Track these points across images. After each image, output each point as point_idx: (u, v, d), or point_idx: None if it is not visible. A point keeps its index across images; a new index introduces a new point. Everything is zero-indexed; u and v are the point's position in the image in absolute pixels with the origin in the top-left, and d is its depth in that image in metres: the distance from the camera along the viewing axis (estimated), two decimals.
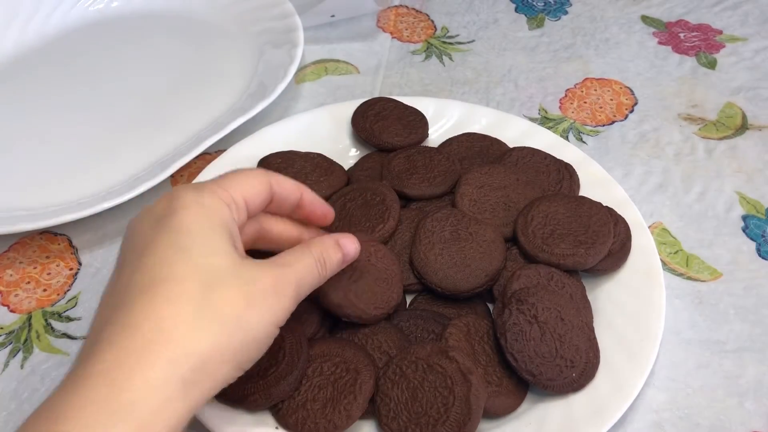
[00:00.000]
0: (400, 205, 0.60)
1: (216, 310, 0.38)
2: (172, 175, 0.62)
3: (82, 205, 0.59)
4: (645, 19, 0.86)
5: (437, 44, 0.84)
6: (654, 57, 0.81)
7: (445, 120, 0.69)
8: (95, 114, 0.72)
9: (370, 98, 0.69)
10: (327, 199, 0.60)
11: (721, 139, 0.71)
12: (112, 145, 0.68)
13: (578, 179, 0.63)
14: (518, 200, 0.60)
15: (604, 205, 0.59)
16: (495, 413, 0.50)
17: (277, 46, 0.76)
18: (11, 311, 0.58)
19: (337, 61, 0.81)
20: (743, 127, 0.72)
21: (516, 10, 0.89)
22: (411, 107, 0.68)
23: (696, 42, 0.81)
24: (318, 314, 0.53)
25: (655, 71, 0.80)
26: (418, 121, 0.67)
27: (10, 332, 0.56)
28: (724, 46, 0.81)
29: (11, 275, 0.60)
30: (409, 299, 0.58)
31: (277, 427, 0.48)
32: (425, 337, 0.53)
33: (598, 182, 0.63)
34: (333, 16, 0.83)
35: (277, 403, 0.49)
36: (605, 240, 0.56)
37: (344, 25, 0.84)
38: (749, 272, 0.60)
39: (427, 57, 0.82)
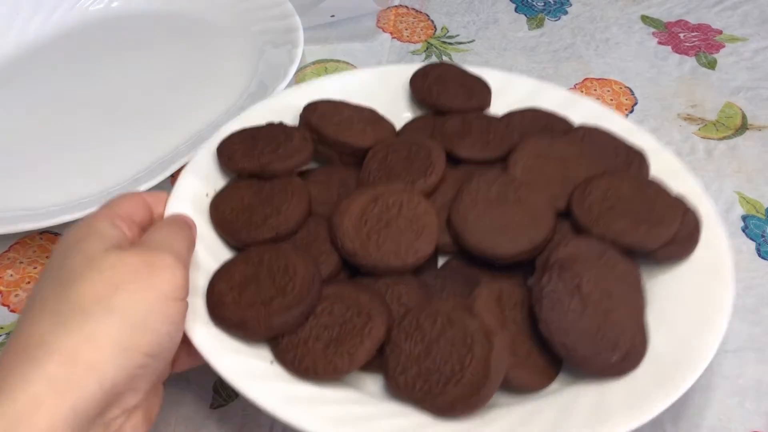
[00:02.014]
0: (447, 165, 0.55)
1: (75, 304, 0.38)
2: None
3: (82, 205, 0.59)
4: (645, 19, 0.85)
5: (437, 44, 0.82)
6: (654, 57, 0.80)
7: (510, 94, 0.64)
8: (95, 114, 0.71)
9: (432, 63, 0.65)
10: (369, 149, 0.56)
11: (720, 139, 0.70)
12: (112, 144, 0.68)
13: (648, 167, 0.57)
14: (577, 175, 0.54)
15: (676, 193, 0.52)
16: (517, 387, 0.44)
17: (277, 46, 0.75)
18: (11, 311, 0.57)
19: (337, 61, 0.79)
20: (743, 127, 0.71)
21: (516, 10, 0.87)
22: (475, 75, 0.63)
23: (696, 42, 0.81)
24: (338, 257, 0.49)
25: (654, 71, 0.78)
26: (480, 88, 0.62)
27: (10, 332, 0.54)
28: (723, 46, 0.80)
29: (11, 275, 0.59)
30: (441, 263, 0.52)
31: (272, 362, 0.44)
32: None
33: (671, 172, 0.56)
34: (333, 16, 0.82)
35: (277, 337, 0.44)
36: (671, 223, 0.49)
37: (344, 25, 0.84)
38: (749, 272, 0.59)
39: (427, 57, 0.80)
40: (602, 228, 0.49)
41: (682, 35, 0.82)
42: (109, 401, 0.37)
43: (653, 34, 0.83)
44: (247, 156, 0.53)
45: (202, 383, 0.50)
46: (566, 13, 0.87)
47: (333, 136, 0.55)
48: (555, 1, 0.88)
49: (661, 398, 0.42)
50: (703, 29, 0.83)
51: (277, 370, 0.43)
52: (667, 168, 0.56)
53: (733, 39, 0.81)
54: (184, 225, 0.46)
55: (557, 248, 0.47)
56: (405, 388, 0.42)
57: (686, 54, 0.80)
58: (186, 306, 0.42)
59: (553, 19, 0.86)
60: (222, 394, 0.50)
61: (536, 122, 0.60)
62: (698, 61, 0.79)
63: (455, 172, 0.55)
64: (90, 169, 0.65)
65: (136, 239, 0.44)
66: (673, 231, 0.49)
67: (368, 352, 0.43)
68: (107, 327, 0.37)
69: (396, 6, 0.88)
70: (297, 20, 0.76)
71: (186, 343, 0.43)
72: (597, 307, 0.44)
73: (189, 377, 0.49)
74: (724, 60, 0.79)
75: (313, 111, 0.57)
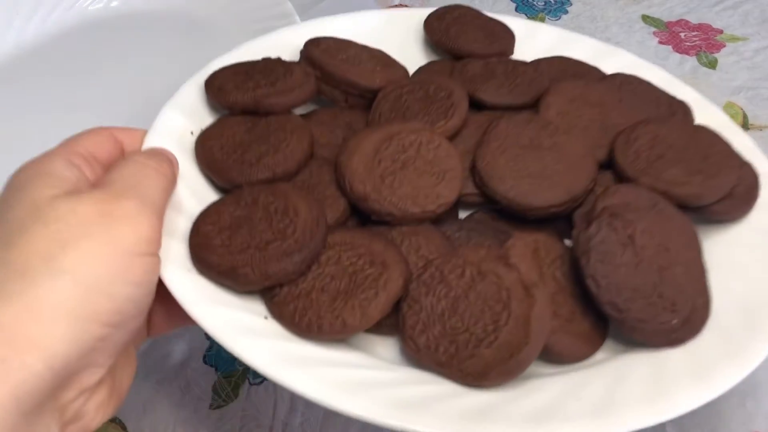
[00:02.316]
0: (469, 108, 0.48)
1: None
2: None
3: None
4: (645, 18, 0.84)
5: None
6: (654, 56, 0.78)
7: (535, 43, 0.57)
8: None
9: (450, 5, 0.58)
10: (379, 90, 0.48)
11: None
12: None
13: (693, 120, 0.50)
14: (618, 122, 0.47)
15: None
16: (559, 356, 0.37)
17: None
18: None
19: None
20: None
21: (516, 9, 0.86)
22: (496, 19, 0.57)
23: (696, 41, 0.80)
24: (345, 202, 0.42)
25: None
26: (502, 32, 0.55)
27: None
28: (724, 46, 0.79)
29: None
30: (464, 216, 0.45)
31: (266, 317, 0.36)
32: None
33: (718, 128, 0.49)
34: None
35: (273, 287, 0.37)
36: (729, 174, 0.43)
37: None
38: None
39: None
40: (651, 178, 0.43)
41: (682, 35, 0.81)
42: (61, 383, 0.30)
43: (654, 33, 0.82)
44: (240, 89, 0.45)
45: (202, 384, 0.47)
46: (567, 12, 0.85)
47: (339, 73, 0.48)
48: (555, 1, 0.87)
49: (731, 371, 0.35)
50: (703, 29, 0.82)
51: (272, 327, 0.36)
52: (714, 123, 0.50)
53: (734, 38, 0.80)
54: (160, 160, 0.38)
55: (604, 195, 0.40)
56: (426, 351, 0.35)
57: (687, 53, 0.79)
58: (157, 262, 0.35)
59: (553, 18, 0.85)
60: (221, 395, 0.47)
61: (566, 71, 0.53)
62: (699, 60, 0.78)
63: (478, 117, 0.48)
64: None
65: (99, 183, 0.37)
66: (731, 183, 0.43)
67: (383, 307, 0.36)
68: (55, 294, 0.30)
69: (396, 6, 0.85)
70: (297, 20, 0.73)
71: (164, 303, 0.36)
72: (652, 262, 0.37)
73: (188, 377, 0.47)
74: (724, 59, 0.77)
75: (316, 46, 0.50)
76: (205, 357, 0.49)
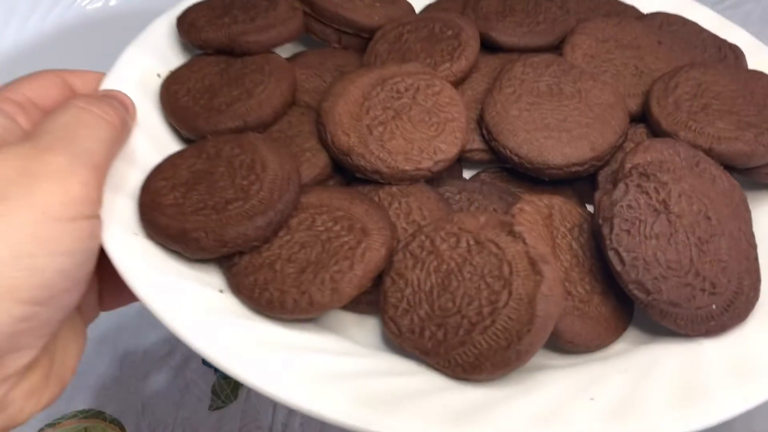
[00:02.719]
0: (482, 53, 0.41)
1: None
2: None
3: None
4: None
5: None
6: None
7: None
8: None
9: None
10: (378, 28, 0.42)
11: None
12: None
13: (746, 65, 0.42)
14: (657, 67, 0.40)
15: None
16: (571, 344, 0.31)
17: None
18: None
19: None
20: None
21: None
22: None
23: None
24: (326, 156, 0.36)
25: None
26: None
27: None
28: None
29: None
30: (469, 176, 0.39)
31: (222, 291, 0.31)
32: None
33: None
34: None
35: (232, 255, 0.31)
36: None
37: None
38: None
39: None
40: (692, 132, 0.36)
41: None
42: None
43: None
44: (213, 25, 0.39)
45: (201, 385, 0.46)
46: None
47: (331, 8, 0.42)
48: None
49: None
50: None
51: (228, 302, 0.30)
52: None
53: None
54: (107, 105, 0.32)
55: (634, 151, 0.33)
56: (409, 335, 0.29)
57: None
58: (94, 225, 0.29)
59: None
60: (221, 396, 0.45)
61: (597, 9, 0.46)
62: None
63: (492, 59, 0.42)
64: None
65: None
66: None
67: (360, 281, 0.30)
68: None
69: None
70: None
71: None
72: (691, 232, 0.31)
73: (187, 379, 0.45)
74: None
75: None
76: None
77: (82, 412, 0.43)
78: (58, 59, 0.70)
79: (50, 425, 0.42)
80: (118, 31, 0.76)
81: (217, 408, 0.45)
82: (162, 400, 0.43)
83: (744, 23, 0.71)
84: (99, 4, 0.77)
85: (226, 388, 0.46)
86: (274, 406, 0.44)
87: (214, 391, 0.45)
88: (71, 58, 0.69)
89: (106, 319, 0.47)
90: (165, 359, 0.47)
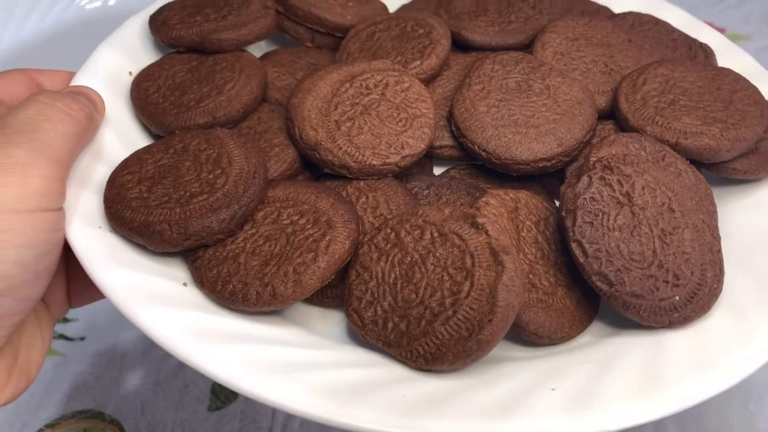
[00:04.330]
0: (454, 52, 0.42)
1: None
2: None
3: None
4: None
5: None
6: None
7: None
8: None
9: None
10: (351, 28, 0.42)
11: None
12: None
13: (716, 64, 0.43)
14: (627, 65, 0.40)
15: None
16: (534, 336, 0.31)
17: None
18: None
19: None
20: None
21: None
22: None
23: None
24: (294, 152, 0.36)
25: None
26: None
27: None
28: None
29: None
30: (439, 172, 0.39)
31: (185, 284, 0.31)
32: None
33: (746, 76, 0.42)
34: None
35: (197, 248, 0.31)
36: (753, 124, 0.36)
37: None
38: None
39: None
40: (659, 128, 0.36)
41: None
42: None
43: None
44: (185, 23, 0.40)
45: (200, 385, 0.45)
46: None
47: (304, 7, 0.42)
48: None
49: (743, 358, 0.29)
50: None
51: (191, 295, 0.30)
52: (742, 71, 0.42)
53: (736, 37, 0.76)
54: (72, 100, 0.32)
55: (599, 145, 0.33)
56: (372, 327, 0.29)
57: None
58: (55, 218, 0.29)
59: None
60: (220, 397, 0.44)
61: (571, 9, 0.46)
62: None
63: (463, 58, 0.42)
64: None
65: None
66: (755, 135, 0.36)
67: (323, 274, 0.30)
68: None
69: None
70: None
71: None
72: (654, 224, 0.31)
73: (186, 379, 0.45)
74: None
75: None
76: None
77: (81, 412, 0.43)
78: (56, 59, 0.69)
79: (50, 425, 0.42)
80: None
81: (217, 408, 0.44)
82: (161, 401, 0.43)
83: (744, 23, 0.76)
84: (98, 4, 0.77)
85: (226, 389, 0.46)
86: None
87: (213, 392, 0.45)
88: (70, 58, 0.69)
89: (106, 319, 0.47)
90: (164, 360, 0.46)
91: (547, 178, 0.38)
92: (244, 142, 0.34)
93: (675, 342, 0.30)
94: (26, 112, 0.30)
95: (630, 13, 0.45)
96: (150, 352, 0.46)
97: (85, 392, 0.44)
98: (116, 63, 0.39)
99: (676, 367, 0.29)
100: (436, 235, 0.30)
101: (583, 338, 0.32)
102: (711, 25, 0.72)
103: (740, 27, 0.77)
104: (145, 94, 0.37)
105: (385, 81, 0.37)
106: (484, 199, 0.32)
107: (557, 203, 0.36)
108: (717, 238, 0.32)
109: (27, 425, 0.42)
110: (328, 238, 0.30)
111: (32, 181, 0.28)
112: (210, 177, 0.32)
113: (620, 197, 0.31)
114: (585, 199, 0.31)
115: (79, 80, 0.37)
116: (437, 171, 0.39)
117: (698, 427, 0.43)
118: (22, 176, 0.28)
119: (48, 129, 0.30)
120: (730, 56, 0.44)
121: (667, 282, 0.30)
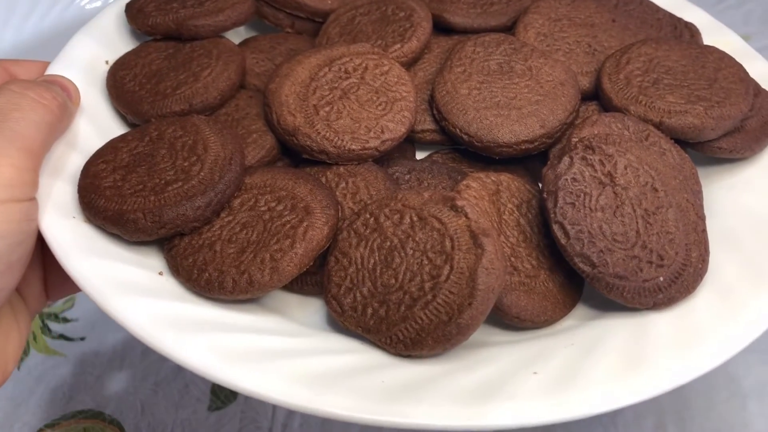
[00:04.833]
0: (435, 35, 0.41)
1: None
2: None
3: None
4: None
5: None
6: None
7: None
8: None
9: None
10: (331, 12, 0.42)
11: None
12: None
13: (702, 42, 0.42)
14: (610, 45, 0.40)
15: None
16: (517, 319, 0.30)
17: None
18: None
19: None
20: None
21: None
22: None
23: None
24: (273, 137, 0.35)
25: None
26: None
27: None
28: None
29: None
30: (421, 157, 0.39)
31: (161, 273, 0.30)
32: None
33: (733, 54, 0.41)
34: None
35: (173, 237, 0.31)
36: (738, 102, 0.35)
37: None
38: None
39: None
40: (642, 107, 0.35)
41: None
42: None
43: None
44: (161, 9, 0.39)
45: (200, 385, 0.45)
46: None
47: None
48: None
49: (728, 337, 0.28)
50: None
51: (167, 284, 0.30)
52: (728, 50, 0.41)
53: None
54: (44, 89, 0.31)
55: (581, 125, 0.33)
56: (352, 314, 0.29)
57: None
58: (28, 208, 0.29)
59: None
60: (220, 397, 0.44)
61: None
62: None
63: (445, 41, 0.41)
64: None
65: None
66: (741, 113, 0.35)
67: (301, 260, 0.29)
68: None
69: None
70: None
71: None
72: (637, 204, 0.30)
73: (186, 379, 0.44)
74: None
75: None
76: None
77: (81, 412, 0.42)
78: None
79: (49, 425, 0.42)
80: None
81: (217, 408, 0.44)
82: (161, 401, 0.43)
83: (744, 23, 0.75)
84: (98, 4, 0.76)
85: (226, 389, 0.46)
86: (273, 406, 0.44)
87: (213, 392, 0.44)
88: None
89: (106, 319, 0.46)
90: (164, 359, 0.46)
91: (530, 161, 0.37)
92: (221, 128, 0.33)
93: (660, 323, 0.30)
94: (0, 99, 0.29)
95: None
96: (150, 352, 0.46)
97: (85, 392, 0.44)
98: (92, 52, 0.39)
99: (660, 348, 0.28)
100: (415, 219, 0.30)
101: (567, 322, 0.31)
102: None
103: (740, 27, 0.75)
104: (121, 82, 0.37)
105: (364, 64, 0.36)
106: (464, 182, 0.32)
107: (540, 185, 0.35)
108: (702, 218, 0.32)
109: (27, 425, 0.42)
110: (305, 224, 0.30)
111: (3, 171, 0.27)
112: (185, 164, 0.31)
113: (602, 177, 0.30)
114: (566, 179, 0.30)
115: (53, 69, 0.36)
116: (420, 155, 0.39)
117: (698, 427, 0.43)
118: None
119: (19, 118, 0.29)
120: (716, 35, 0.44)
121: (651, 263, 0.30)
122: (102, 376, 0.44)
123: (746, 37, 0.68)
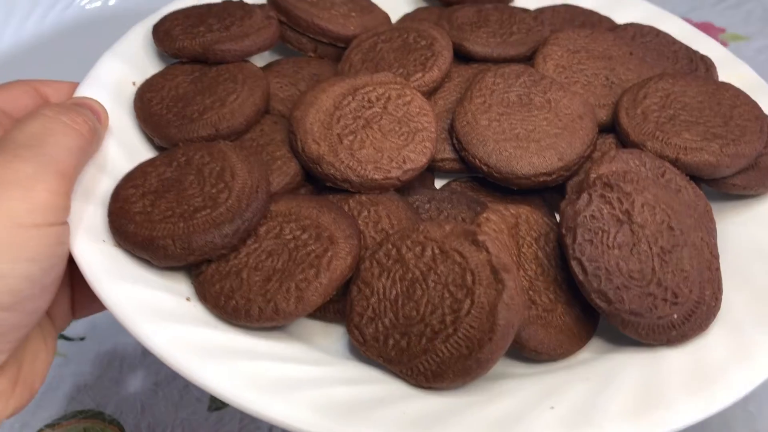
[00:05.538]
0: (455, 63, 0.42)
1: None
2: None
3: None
4: None
5: None
6: None
7: None
8: None
9: None
10: (353, 38, 0.42)
11: None
12: None
13: (716, 76, 0.43)
14: (628, 78, 0.41)
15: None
16: (534, 353, 0.31)
17: None
18: None
19: None
20: None
21: None
22: None
23: None
24: (297, 165, 0.36)
25: None
26: None
27: None
28: (726, 45, 0.74)
29: None
30: (441, 185, 0.39)
31: (188, 299, 0.31)
32: None
33: (747, 88, 0.42)
34: None
35: (200, 263, 0.31)
36: (753, 140, 0.36)
37: None
38: None
39: None
40: (659, 143, 0.36)
41: None
42: None
43: None
44: (188, 33, 0.40)
45: None
46: None
47: (307, 18, 0.42)
48: None
49: (740, 377, 0.29)
50: (705, 28, 0.77)
51: (194, 310, 0.31)
52: (742, 83, 0.42)
53: (736, 37, 0.76)
54: (76, 113, 0.32)
55: (600, 162, 0.34)
56: (374, 344, 0.30)
57: None
58: (62, 232, 0.29)
59: None
60: None
61: (573, 20, 0.47)
62: None
63: (465, 70, 0.42)
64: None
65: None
66: (756, 150, 0.36)
67: (325, 290, 0.30)
68: None
69: None
70: None
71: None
72: (653, 242, 0.31)
73: (186, 380, 0.42)
74: None
75: None
76: None
77: (81, 412, 0.43)
78: (57, 59, 0.70)
79: (50, 425, 0.42)
80: (117, 31, 0.78)
81: (217, 408, 0.44)
82: (161, 401, 0.43)
83: (744, 23, 0.76)
84: (98, 4, 0.77)
85: None
86: None
87: None
88: (70, 58, 0.67)
89: (106, 320, 0.47)
90: None
91: (548, 192, 0.38)
92: (247, 155, 0.34)
93: (673, 359, 0.30)
94: (32, 126, 0.30)
95: (631, 25, 0.45)
96: (150, 353, 0.47)
97: (85, 392, 0.44)
98: (120, 73, 0.39)
99: (674, 385, 0.29)
100: (437, 251, 0.30)
101: (583, 354, 0.32)
102: (711, 25, 0.76)
103: (740, 27, 0.77)
104: (148, 105, 0.38)
105: (387, 94, 0.37)
106: (485, 215, 0.33)
107: (558, 217, 0.36)
108: (715, 256, 0.33)
109: (27, 425, 0.43)
110: (329, 254, 0.31)
111: (39, 196, 0.28)
112: (213, 191, 0.32)
113: (620, 215, 0.31)
114: (585, 216, 0.31)
115: (83, 91, 0.37)
116: (438, 183, 0.39)
117: (699, 427, 0.43)
118: (29, 191, 0.28)
119: (53, 143, 0.30)
120: (730, 68, 0.44)
121: (665, 300, 0.30)
122: (102, 376, 0.45)
123: (746, 37, 0.75)
